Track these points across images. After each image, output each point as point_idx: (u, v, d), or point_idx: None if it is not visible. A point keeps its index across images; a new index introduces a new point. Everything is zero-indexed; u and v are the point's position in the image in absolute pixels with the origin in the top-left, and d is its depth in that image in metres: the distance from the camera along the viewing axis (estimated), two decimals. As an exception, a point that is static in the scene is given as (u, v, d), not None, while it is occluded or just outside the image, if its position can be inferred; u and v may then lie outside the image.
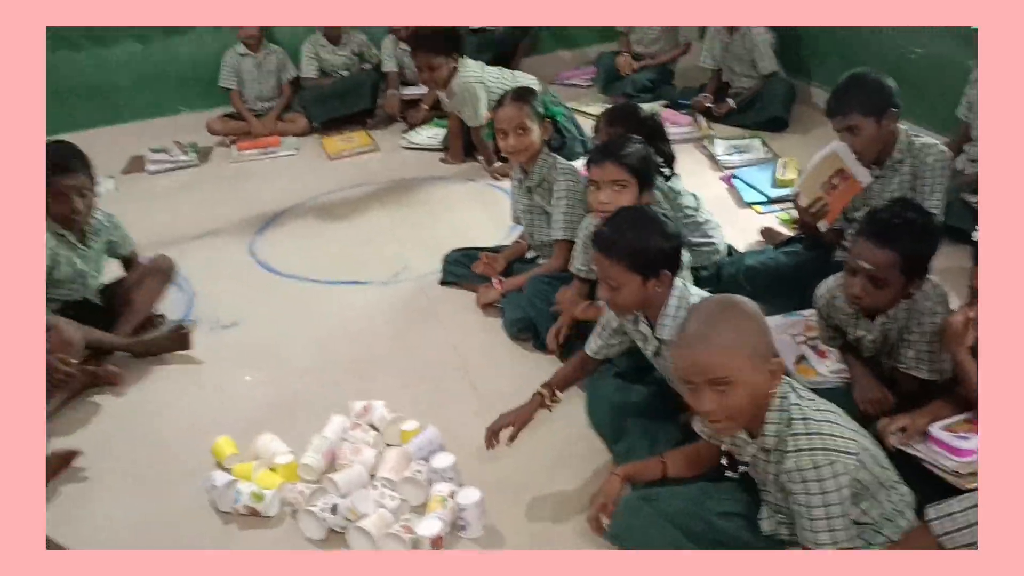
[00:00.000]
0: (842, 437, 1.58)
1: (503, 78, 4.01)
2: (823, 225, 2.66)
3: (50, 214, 2.69)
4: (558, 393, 2.25)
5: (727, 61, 4.49)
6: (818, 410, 1.62)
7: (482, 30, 5.09)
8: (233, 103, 4.86)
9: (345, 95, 4.79)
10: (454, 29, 4.08)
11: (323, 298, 3.20)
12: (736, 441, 1.73)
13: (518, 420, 2.19)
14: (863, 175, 2.56)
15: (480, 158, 4.23)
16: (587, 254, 2.60)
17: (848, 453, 1.56)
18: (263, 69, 4.83)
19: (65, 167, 2.65)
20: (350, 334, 2.95)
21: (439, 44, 3.86)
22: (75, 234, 2.77)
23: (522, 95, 2.84)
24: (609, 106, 3.02)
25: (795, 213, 3.34)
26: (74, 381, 2.56)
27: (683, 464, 1.91)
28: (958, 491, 1.75)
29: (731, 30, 4.37)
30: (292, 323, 3.04)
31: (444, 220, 3.75)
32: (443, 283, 3.18)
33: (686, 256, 2.44)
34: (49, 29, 4.60)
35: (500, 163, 4.04)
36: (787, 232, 3.24)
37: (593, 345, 2.26)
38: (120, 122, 4.90)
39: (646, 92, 4.83)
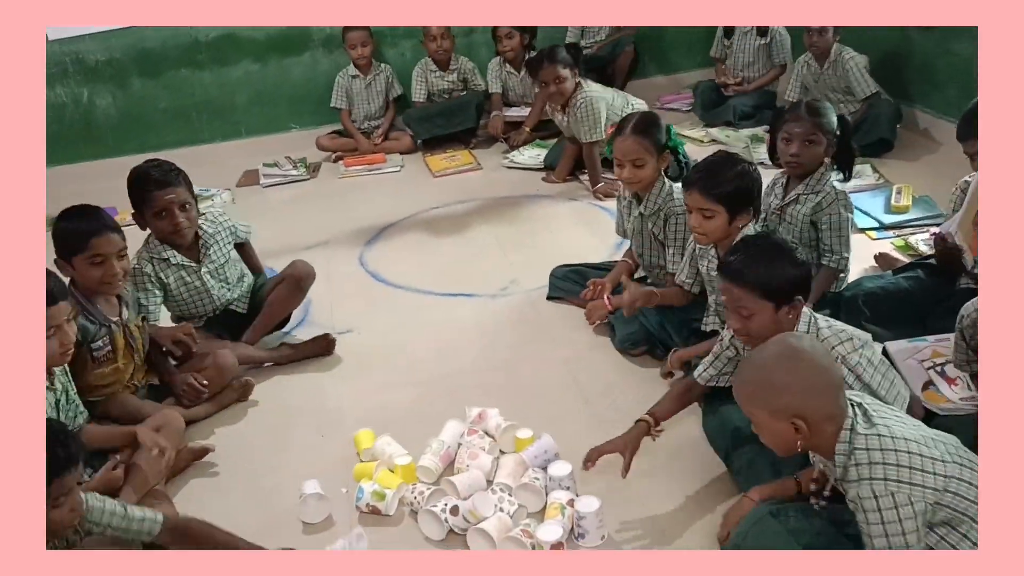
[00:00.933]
0: (914, 468, 1.53)
1: (618, 99, 4.09)
2: (968, 260, 2.59)
3: (155, 233, 2.75)
4: (661, 424, 2.27)
5: (821, 91, 4.43)
6: (893, 438, 1.56)
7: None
8: (343, 122, 5.05)
9: (450, 114, 4.92)
10: (575, 45, 4.17)
11: (433, 309, 3.28)
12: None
13: (628, 449, 2.20)
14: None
15: (582, 178, 4.28)
16: (692, 267, 2.67)
17: (915, 484, 1.52)
18: (372, 89, 5.01)
19: (164, 182, 2.66)
20: (460, 345, 3.01)
21: (567, 58, 3.94)
22: (183, 252, 2.79)
23: (644, 127, 2.79)
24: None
25: (913, 240, 3.31)
26: (202, 399, 2.65)
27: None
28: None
29: (820, 61, 4.32)
30: (404, 332, 3.12)
31: (548, 237, 3.80)
32: (550, 298, 3.22)
33: None
34: (173, 49, 4.91)
35: (605, 183, 4.08)
36: (903, 258, 3.16)
37: (705, 374, 2.25)
38: (237, 138, 5.15)
39: (747, 119, 4.81)
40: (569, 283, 3.16)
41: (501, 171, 4.64)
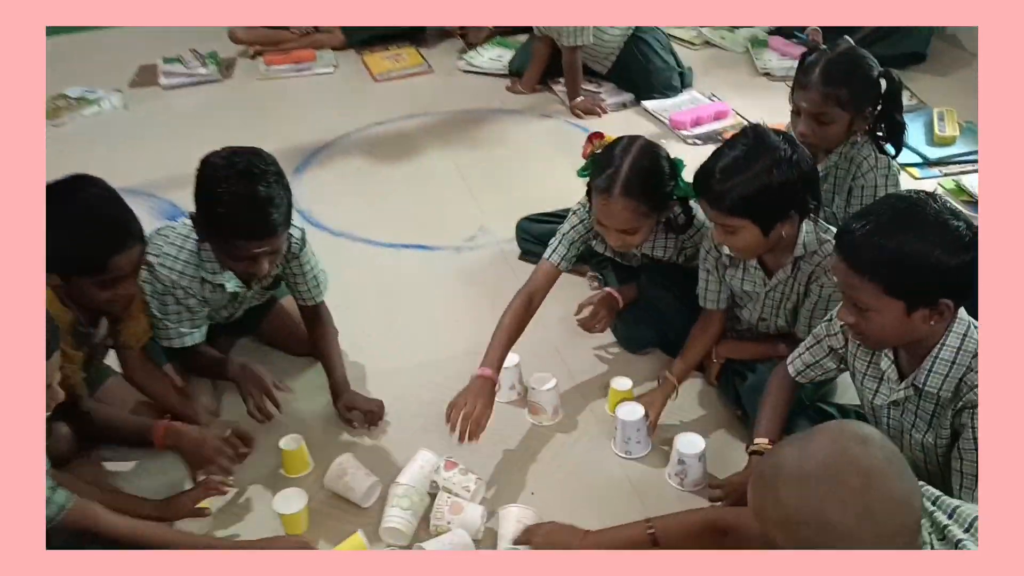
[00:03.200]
0: None
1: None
2: None
3: (224, 264, 1.96)
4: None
5: None
6: None
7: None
8: (260, 7, 4.15)
9: (392, 4, 4.07)
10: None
11: (383, 265, 2.62)
12: None
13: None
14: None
15: (557, 88, 3.57)
16: (718, 285, 2.01)
17: None
18: (295, -33, 4.10)
19: (266, 231, 1.82)
20: (418, 317, 2.39)
21: None
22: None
23: (637, 185, 1.91)
24: (818, 49, 2.12)
25: (965, 181, 2.77)
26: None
27: None
28: None
29: None
30: (348, 297, 2.40)
31: (519, 168, 3.14)
32: (523, 257, 2.59)
33: None
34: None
35: (585, 97, 3.39)
36: (958, 206, 2.62)
37: (798, 363, 1.74)
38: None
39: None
40: (541, 245, 2.39)
41: (457, 76, 3.87)
